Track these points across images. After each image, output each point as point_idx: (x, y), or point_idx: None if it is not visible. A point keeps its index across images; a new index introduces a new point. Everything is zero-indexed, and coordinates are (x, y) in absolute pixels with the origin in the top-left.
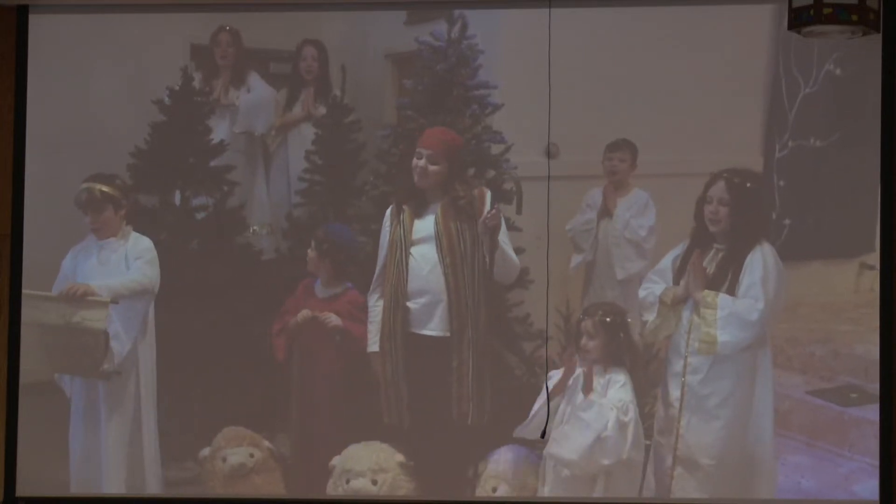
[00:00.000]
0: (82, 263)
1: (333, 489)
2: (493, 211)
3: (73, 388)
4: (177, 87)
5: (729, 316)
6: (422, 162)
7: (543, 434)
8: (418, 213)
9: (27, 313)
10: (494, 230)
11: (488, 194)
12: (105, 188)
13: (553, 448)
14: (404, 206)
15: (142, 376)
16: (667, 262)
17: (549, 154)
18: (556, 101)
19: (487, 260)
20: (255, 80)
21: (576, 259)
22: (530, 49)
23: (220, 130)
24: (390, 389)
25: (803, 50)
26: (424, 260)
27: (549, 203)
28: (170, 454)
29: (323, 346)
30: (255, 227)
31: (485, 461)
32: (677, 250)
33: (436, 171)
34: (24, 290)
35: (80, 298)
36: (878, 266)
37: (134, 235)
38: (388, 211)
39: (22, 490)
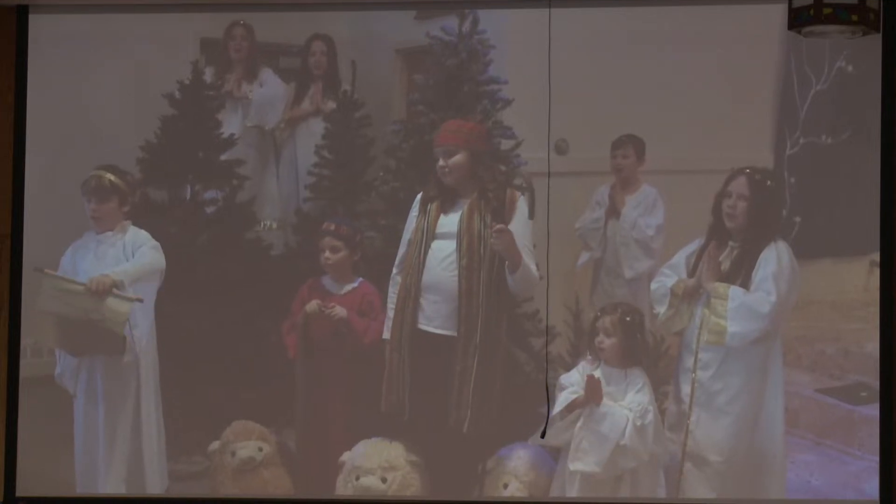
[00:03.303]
0: (81, 260)
1: (343, 485)
2: (497, 230)
3: (78, 384)
4: (187, 82)
5: (739, 307)
6: (440, 161)
7: (543, 434)
8: (445, 208)
9: (45, 300)
10: (503, 249)
11: (520, 200)
12: (115, 179)
13: (576, 465)
14: (434, 201)
15: (142, 369)
16: (680, 257)
17: (557, 153)
18: (568, 97)
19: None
20: (267, 75)
21: (583, 256)
22: (541, 45)
23: (230, 124)
24: (393, 379)
25: (814, 46)
26: (442, 256)
27: (548, 200)
28: (178, 448)
29: (331, 340)
30: (266, 222)
31: (496, 458)
32: (692, 246)
33: (458, 163)
34: (47, 271)
35: (105, 292)
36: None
37: (132, 230)
38: (418, 198)
39: (22, 490)
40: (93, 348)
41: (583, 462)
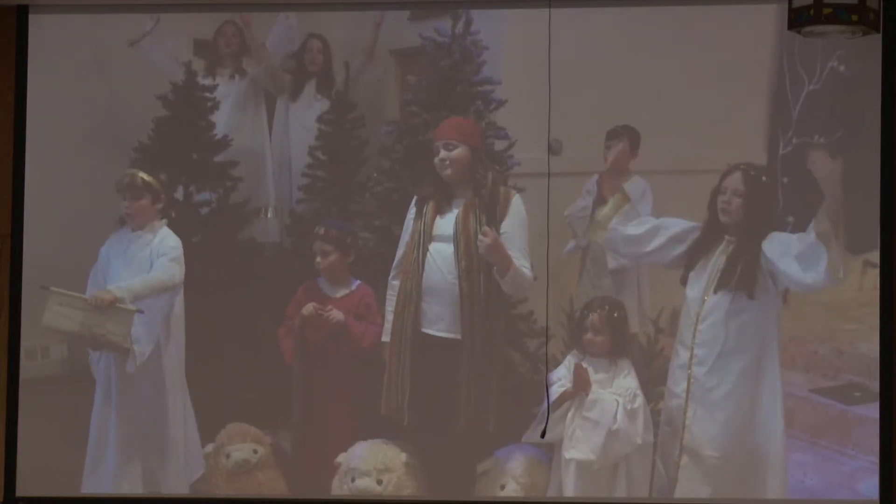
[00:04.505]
0: (114, 258)
1: (338, 487)
2: (484, 233)
3: (98, 375)
4: (180, 83)
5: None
6: (441, 154)
7: (543, 434)
8: (441, 209)
9: (50, 316)
10: (489, 253)
11: (514, 199)
12: (147, 178)
13: (571, 453)
14: (429, 202)
15: (166, 374)
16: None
17: (550, 154)
18: (562, 97)
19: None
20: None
21: (570, 245)
22: (535, 45)
23: (222, 125)
24: (394, 382)
25: (807, 47)
26: (440, 260)
27: (549, 202)
28: None
29: (327, 342)
30: (262, 212)
31: (492, 459)
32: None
33: (457, 156)
34: (53, 288)
35: (106, 308)
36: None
37: (162, 232)
38: (414, 200)
39: (22, 490)
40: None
41: (577, 450)
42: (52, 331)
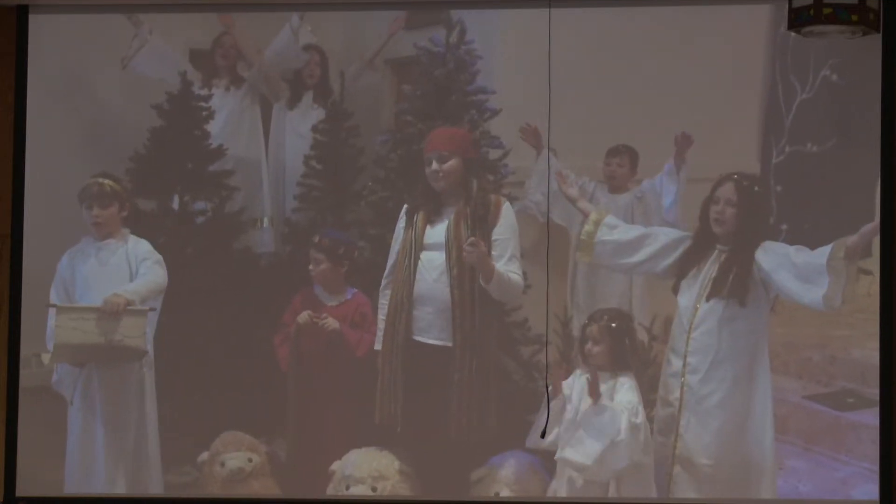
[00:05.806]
0: (80, 265)
1: (333, 495)
2: (468, 244)
3: (76, 391)
4: (175, 92)
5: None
6: (433, 166)
7: (543, 434)
8: (432, 218)
9: (63, 333)
10: (476, 263)
11: (505, 206)
12: (114, 184)
13: (567, 453)
14: (419, 210)
15: (145, 379)
16: (668, 235)
17: (539, 162)
18: (553, 105)
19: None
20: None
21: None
22: (528, 54)
23: (217, 135)
24: (387, 390)
25: (800, 55)
26: (432, 267)
27: (548, 207)
28: (168, 458)
29: (322, 350)
30: (258, 221)
31: (486, 466)
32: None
33: (450, 169)
34: (60, 304)
35: (120, 312)
36: (874, 271)
37: (132, 238)
38: (404, 209)
39: (22, 490)
40: (115, 364)
41: (575, 451)
42: (64, 347)
